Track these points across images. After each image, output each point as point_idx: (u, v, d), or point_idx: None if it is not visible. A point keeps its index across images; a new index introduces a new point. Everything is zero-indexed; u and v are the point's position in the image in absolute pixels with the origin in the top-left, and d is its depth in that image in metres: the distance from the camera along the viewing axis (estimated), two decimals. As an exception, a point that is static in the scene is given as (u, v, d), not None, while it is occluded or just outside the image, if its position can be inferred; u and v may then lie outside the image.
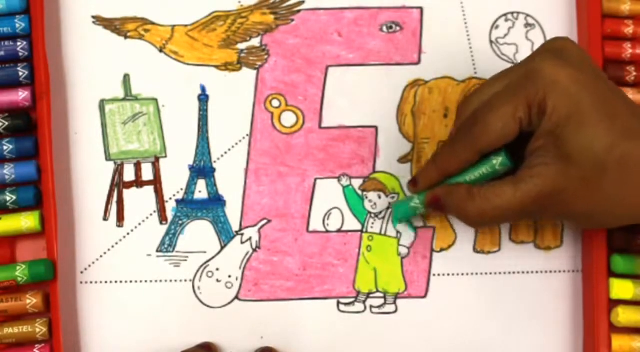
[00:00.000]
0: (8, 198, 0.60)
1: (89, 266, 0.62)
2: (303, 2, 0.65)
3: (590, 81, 0.53)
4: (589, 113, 0.52)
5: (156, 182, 0.63)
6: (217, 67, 0.64)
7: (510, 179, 0.54)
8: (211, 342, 0.61)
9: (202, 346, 0.60)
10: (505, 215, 0.55)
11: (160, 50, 0.64)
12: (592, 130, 0.52)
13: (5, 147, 0.60)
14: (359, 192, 0.64)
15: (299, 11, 0.65)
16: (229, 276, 0.63)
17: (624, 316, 0.61)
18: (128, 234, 0.63)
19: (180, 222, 0.63)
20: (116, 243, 0.62)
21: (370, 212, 0.63)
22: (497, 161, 0.56)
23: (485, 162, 0.56)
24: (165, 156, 0.63)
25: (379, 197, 0.64)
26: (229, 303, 0.63)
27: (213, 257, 0.63)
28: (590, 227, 0.61)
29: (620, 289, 0.61)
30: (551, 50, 0.55)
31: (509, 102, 0.53)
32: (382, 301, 0.63)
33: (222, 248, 0.63)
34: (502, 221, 0.56)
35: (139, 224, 0.63)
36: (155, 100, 0.63)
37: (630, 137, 0.52)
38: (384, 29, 0.65)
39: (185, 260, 0.63)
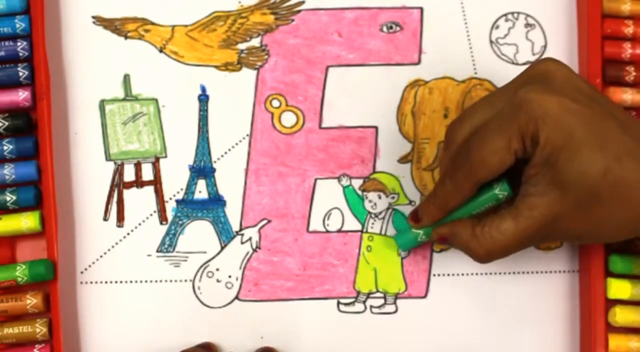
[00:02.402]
0: (8, 198, 0.60)
1: (89, 266, 0.62)
2: (303, 2, 0.65)
3: (579, 107, 0.53)
4: (582, 141, 0.52)
5: (156, 182, 0.63)
6: (217, 67, 0.64)
7: (509, 213, 0.55)
8: (211, 342, 0.61)
9: (202, 346, 0.60)
10: (511, 248, 0.56)
11: (160, 50, 0.64)
12: (586, 158, 0.52)
13: (5, 147, 0.60)
14: (359, 192, 0.64)
15: (299, 11, 0.65)
16: (229, 276, 0.63)
17: (621, 315, 0.61)
18: (128, 234, 0.63)
19: (180, 222, 0.63)
20: (116, 243, 0.62)
21: (370, 212, 0.63)
22: (502, 195, 0.56)
23: (488, 193, 0.56)
24: (165, 156, 0.63)
25: (379, 197, 0.64)
26: (229, 303, 0.63)
27: (213, 257, 0.63)
28: (591, 243, 0.61)
29: (618, 288, 0.61)
30: (537, 76, 0.55)
31: (502, 135, 0.53)
32: (382, 301, 0.63)
33: (222, 248, 0.63)
34: (509, 253, 0.57)
35: (139, 224, 0.63)
36: (155, 100, 0.63)
37: (623, 159, 0.52)
38: (384, 29, 0.65)
39: (185, 260, 0.63)
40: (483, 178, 0.55)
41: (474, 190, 0.56)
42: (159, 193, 0.63)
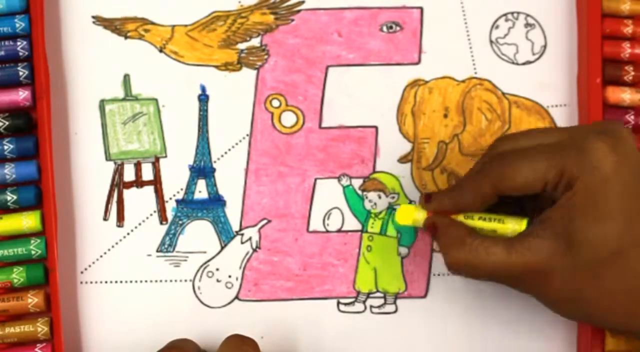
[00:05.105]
0: (9, 198, 0.59)
1: (89, 266, 0.62)
2: (303, 2, 0.65)
3: (630, 180, 0.52)
4: (611, 211, 0.52)
5: (156, 182, 0.63)
6: (217, 67, 0.64)
7: (505, 242, 0.54)
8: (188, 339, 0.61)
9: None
10: (484, 273, 0.55)
11: (160, 50, 0.64)
12: (605, 229, 0.52)
13: (5, 147, 0.60)
14: (359, 192, 0.64)
15: (299, 11, 0.65)
16: (229, 276, 0.63)
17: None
18: (128, 234, 0.62)
19: (180, 222, 0.63)
20: (116, 243, 0.62)
21: (370, 212, 0.64)
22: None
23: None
24: (165, 156, 0.63)
25: (379, 197, 0.64)
26: (229, 303, 0.63)
27: (213, 257, 0.63)
28: (562, 316, 0.58)
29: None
30: (610, 134, 0.53)
31: (546, 160, 0.53)
32: (382, 301, 0.63)
33: (222, 248, 0.63)
34: (479, 277, 0.56)
35: (139, 224, 0.63)
36: (155, 100, 0.63)
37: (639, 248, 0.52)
38: (384, 29, 0.65)
39: (185, 260, 0.62)
40: (507, 188, 0.54)
41: (491, 199, 0.55)
42: (159, 193, 0.63)
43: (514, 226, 0.56)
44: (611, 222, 0.52)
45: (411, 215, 0.58)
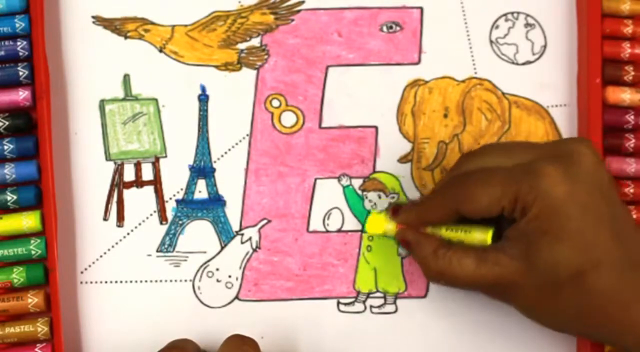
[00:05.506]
0: (9, 198, 0.59)
1: (89, 266, 0.62)
2: (303, 2, 0.65)
3: (586, 202, 0.53)
4: (566, 235, 0.52)
5: (156, 182, 0.63)
6: (217, 67, 0.64)
7: (476, 253, 0.55)
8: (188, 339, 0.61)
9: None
10: (461, 283, 0.57)
11: (160, 50, 0.64)
12: (563, 252, 0.53)
13: (5, 147, 0.60)
14: (359, 192, 0.64)
15: (299, 11, 0.65)
16: (229, 276, 0.63)
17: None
18: (128, 234, 0.62)
19: (180, 222, 0.63)
20: (116, 243, 0.62)
21: (370, 212, 0.64)
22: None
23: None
24: (165, 156, 0.63)
25: (379, 197, 0.64)
26: (229, 303, 0.63)
27: (213, 257, 0.63)
28: (537, 323, 0.59)
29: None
30: (563, 154, 0.54)
31: (500, 186, 0.54)
32: (382, 301, 0.63)
33: (222, 248, 0.63)
34: (458, 286, 0.58)
35: (139, 224, 0.63)
36: (155, 100, 0.63)
37: (601, 267, 0.53)
38: (384, 29, 0.65)
39: (185, 260, 0.62)
40: (465, 211, 0.55)
41: (453, 217, 0.56)
42: (158, 193, 0.63)
43: (479, 236, 0.57)
44: (567, 246, 0.53)
45: (381, 225, 0.60)
